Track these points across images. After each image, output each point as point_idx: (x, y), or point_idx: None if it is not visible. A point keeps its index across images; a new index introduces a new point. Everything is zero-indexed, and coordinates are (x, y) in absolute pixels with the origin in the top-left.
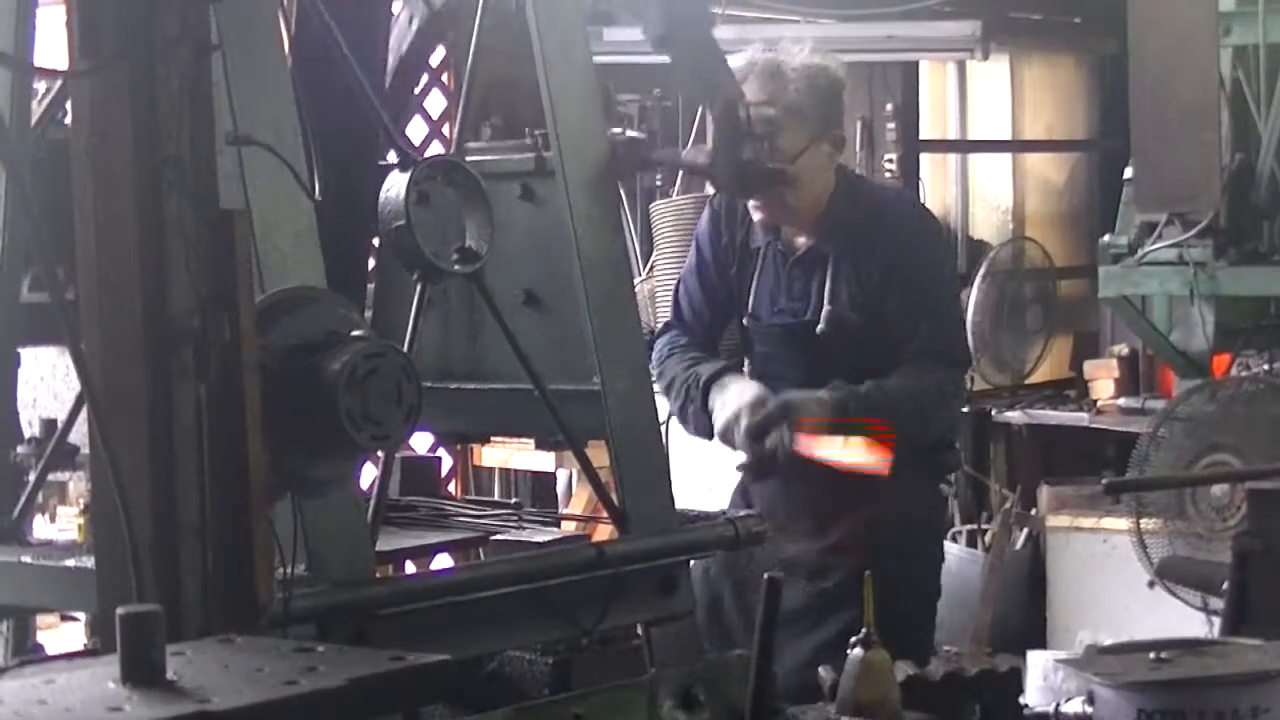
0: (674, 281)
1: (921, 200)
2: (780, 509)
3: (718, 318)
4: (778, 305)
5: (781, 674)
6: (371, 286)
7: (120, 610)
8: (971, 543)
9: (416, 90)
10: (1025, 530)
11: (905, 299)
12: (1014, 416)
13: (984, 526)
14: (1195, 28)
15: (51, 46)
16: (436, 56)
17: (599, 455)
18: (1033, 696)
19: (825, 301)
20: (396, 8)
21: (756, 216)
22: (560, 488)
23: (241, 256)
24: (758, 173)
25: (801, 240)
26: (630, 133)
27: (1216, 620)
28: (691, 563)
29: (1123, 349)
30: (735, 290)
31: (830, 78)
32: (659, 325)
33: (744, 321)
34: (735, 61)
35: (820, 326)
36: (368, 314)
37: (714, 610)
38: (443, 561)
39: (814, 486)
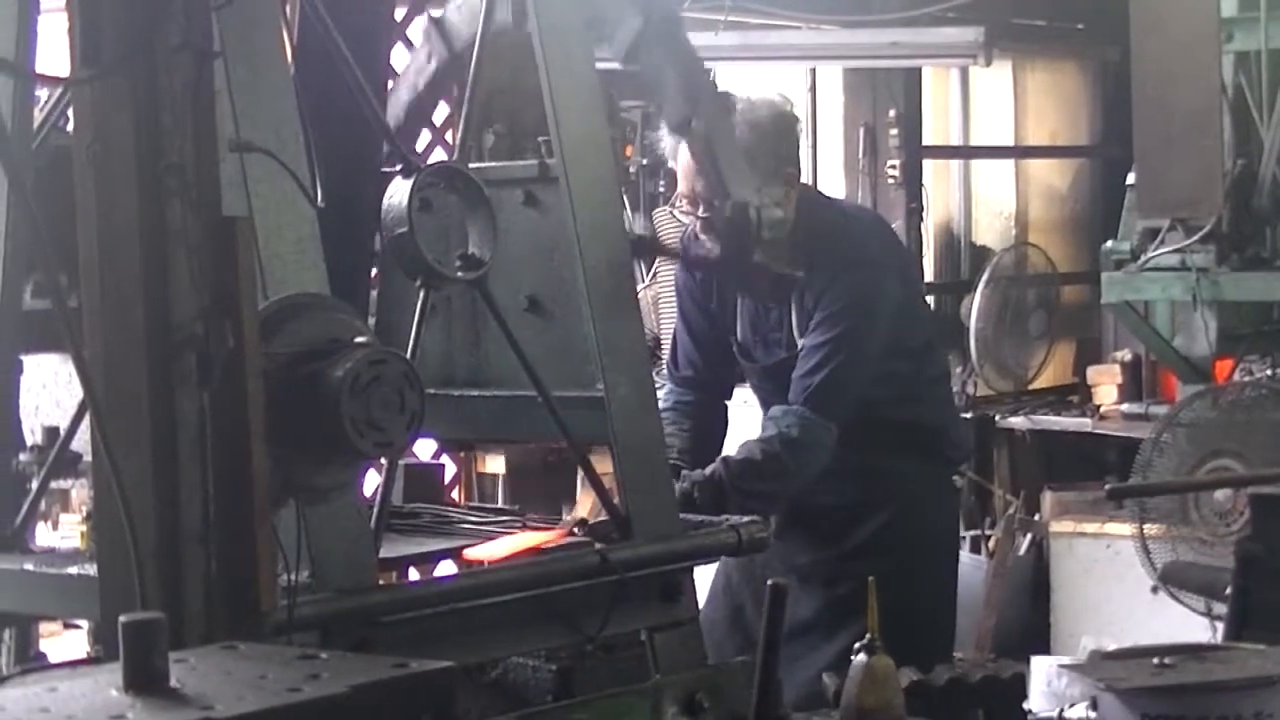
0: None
1: (882, 226)
2: (795, 512)
3: (711, 359)
4: (760, 333)
5: (797, 685)
6: (374, 293)
7: (123, 618)
8: (975, 549)
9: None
10: (1028, 536)
11: (816, 331)
12: (1017, 422)
13: (987, 532)
14: (1197, 34)
15: (53, 53)
16: None
17: (602, 462)
18: (1036, 702)
19: (797, 335)
20: (406, 58)
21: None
22: None
23: (244, 263)
24: (765, 276)
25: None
26: (638, 231)
27: (1220, 625)
28: (714, 574)
29: (1125, 354)
30: (721, 322)
31: (775, 114)
32: (662, 333)
33: (735, 352)
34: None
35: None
36: (371, 321)
37: (737, 619)
38: (446, 568)
39: (828, 489)
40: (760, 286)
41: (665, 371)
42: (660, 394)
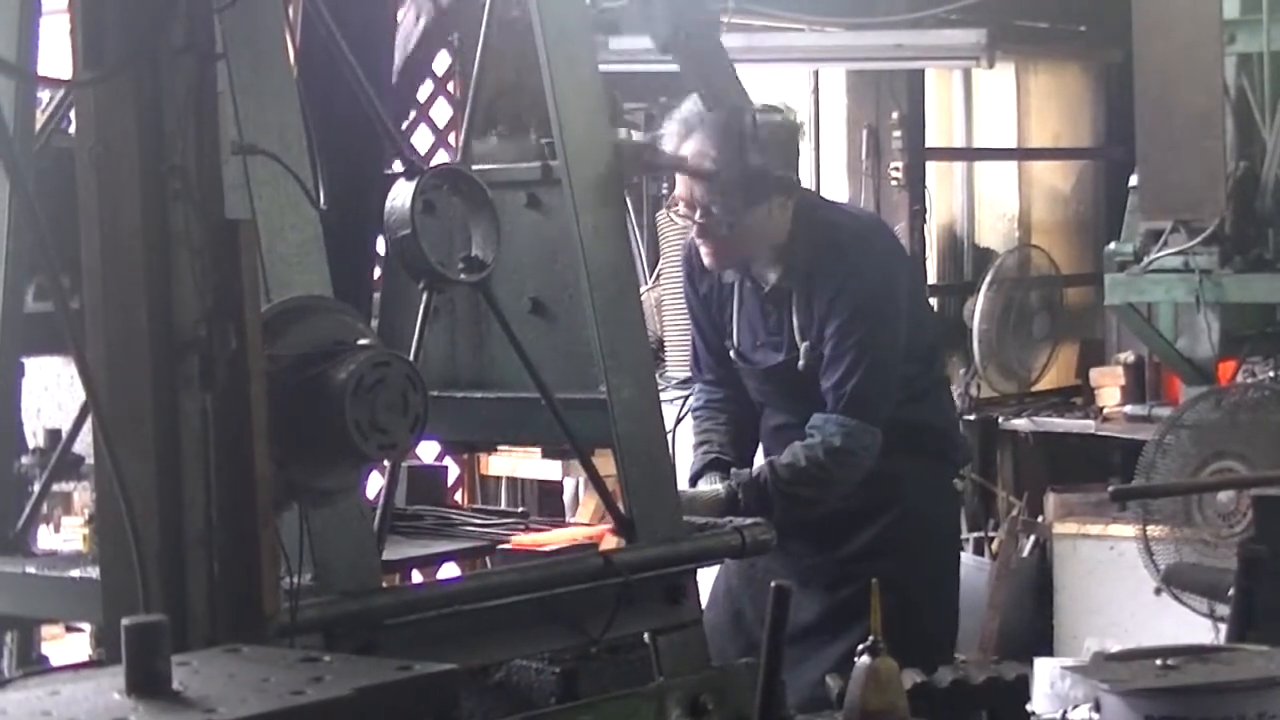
0: (679, 289)
1: (883, 227)
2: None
3: (729, 362)
4: (758, 339)
5: (801, 687)
6: (377, 295)
7: (126, 621)
8: (979, 550)
9: (421, 94)
10: (1032, 538)
11: (838, 338)
12: (1020, 424)
13: (991, 534)
14: (1200, 36)
15: (56, 55)
16: (442, 65)
17: (606, 464)
18: (1040, 704)
19: (798, 338)
20: (401, 13)
21: (707, 262)
22: (567, 496)
23: (247, 266)
24: (764, 179)
25: (772, 275)
26: (636, 135)
27: (1223, 627)
28: (714, 579)
29: (1129, 356)
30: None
31: (784, 127)
32: (665, 335)
33: (731, 356)
34: (683, 113)
35: (801, 363)
36: (374, 323)
37: (737, 623)
38: (449, 570)
39: None
40: (760, 193)
41: (691, 375)
42: (692, 395)
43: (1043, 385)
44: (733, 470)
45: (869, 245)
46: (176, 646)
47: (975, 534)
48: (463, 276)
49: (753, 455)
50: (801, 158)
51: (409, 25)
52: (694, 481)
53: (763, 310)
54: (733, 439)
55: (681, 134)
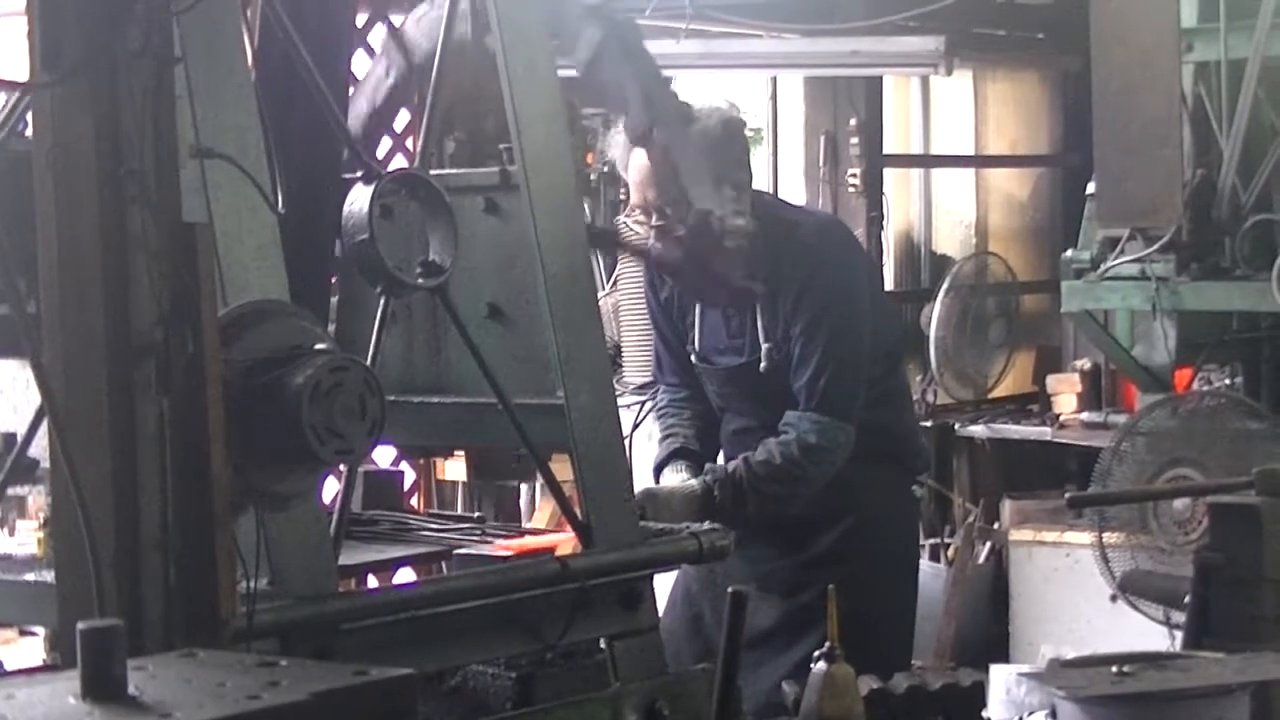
0: (637, 295)
1: (841, 226)
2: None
3: (691, 366)
4: (721, 344)
5: (757, 693)
6: (335, 300)
7: (81, 625)
8: (934, 557)
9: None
10: (988, 544)
11: (806, 336)
12: (977, 431)
13: (947, 540)
14: (1157, 44)
15: (12, 58)
16: None
17: (563, 469)
18: (995, 710)
19: (762, 339)
20: (367, 64)
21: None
22: (523, 502)
23: (204, 270)
24: (725, 285)
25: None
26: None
27: (1178, 634)
28: (673, 582)
29: (1085, 363)
30: (683, 333)
31: (721, 120)
32: (622, 341)
33: (693, 360)
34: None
35: (763, 365)
36: (331, 327)
37: (695, 626)
38: (405, 575)
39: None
40: (719, 297)
41: (654, 378)
42: (655, 396)
43: (999, 392)
44: (707, 465)
45: (830, 242)
46: (132, 651)
47: (931, 540)
48: (420, 281)
49: (716, 453)
50: (750, 154)
51: (378, 78)
52: (658, 471)
53: (724, 314)
54: (698, 433)
55: (629, 142)
